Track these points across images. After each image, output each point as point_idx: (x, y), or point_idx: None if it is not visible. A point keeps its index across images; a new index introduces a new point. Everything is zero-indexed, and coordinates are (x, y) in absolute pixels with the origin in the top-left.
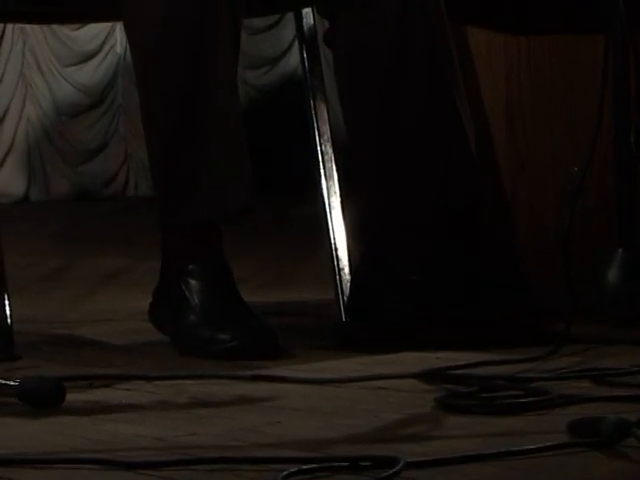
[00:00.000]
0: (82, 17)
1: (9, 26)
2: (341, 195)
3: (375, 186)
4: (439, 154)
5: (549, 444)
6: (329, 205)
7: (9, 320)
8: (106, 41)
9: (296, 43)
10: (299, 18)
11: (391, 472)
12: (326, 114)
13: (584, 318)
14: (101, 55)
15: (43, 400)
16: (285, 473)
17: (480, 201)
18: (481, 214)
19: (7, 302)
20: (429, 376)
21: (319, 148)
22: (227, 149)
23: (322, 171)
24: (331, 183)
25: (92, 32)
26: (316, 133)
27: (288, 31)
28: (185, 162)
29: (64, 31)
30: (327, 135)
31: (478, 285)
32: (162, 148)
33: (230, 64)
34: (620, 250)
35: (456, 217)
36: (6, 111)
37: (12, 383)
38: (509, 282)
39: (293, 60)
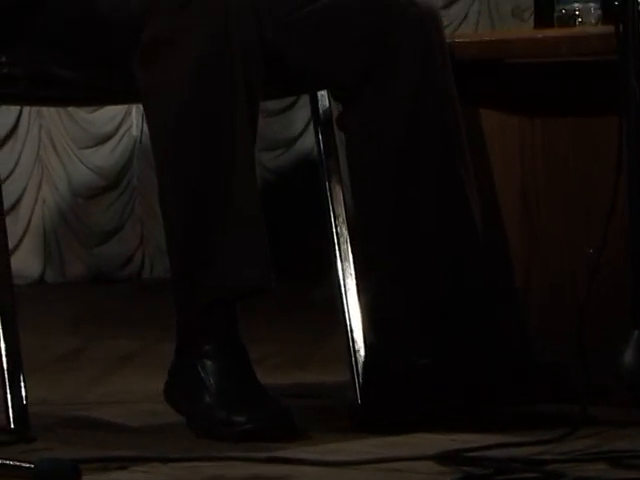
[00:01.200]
0: (98, 100)
1: (25, 108)
2: (356, 277)
3: (388, 269)
4: (449, 237)
5: None
6: (344, 287)
7: (24, 401)
8: (122, 124)
9: (311, 125)
10: (314, 100)
11: None
12: (341, 196)
13: (600, 399)
14: (117, 137)
15: None
16: None
17: (490, 283)
18: (492, 295)
19: (22, 383)
20: (445, 458)
21: (334, 230)
22: (244, 230)
23: (337, 253)
24: (346, 265)
25: (108, 115)
26: (331, 215)
27: (303, 113)
28: (201, 243)
29: (80, 113)
30: (342, 217)
31: (491, 367)
32: (179, 229)
33: (248, 146)
34: (636, 331)
35: (468, 299)
36: (22, 193)
37: (27, 465)
38: (522, 363)
39: (308, 142)
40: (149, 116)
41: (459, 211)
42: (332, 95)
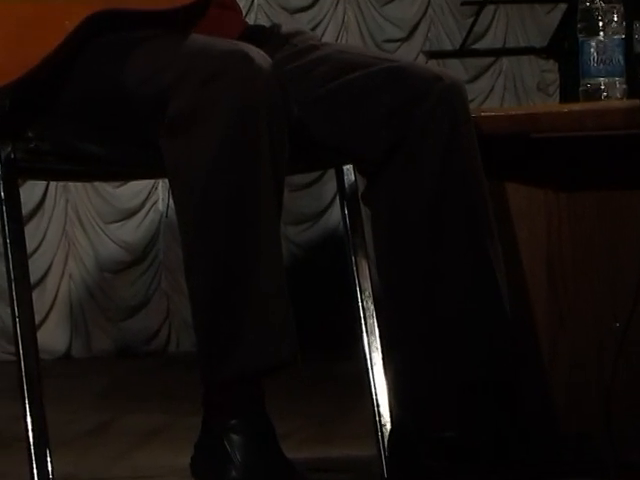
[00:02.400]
0: (125, 174)
1: (52, 183)
2: (382, 351)
3: (415, 344)
4: (477, 314)
5: None
6: (370, 361)
7: (50, 476)
8: (148, 198)
9: (337, 199)
10: (340, 175)
11: None
12: (367, 270)
13: (627, 473)
14: (143, 212)
15: None
16: None
17: (517, 358)
18: (519, 370)
19: (49, 458)
20: None
21: (360, 304)
22: (269, 304)
23: (363, 327)
24: (372, 339)
25: (134, 189)
26: (357, 289)
27: (329, 187)
28: (227, 317)
29: (107, 188)
30: (368, 291)
31: (518, 441)
32: (204, 303)
33: (273, 221)
34: None
35: (494, 374)
36: (49, 268)
37: None
38: (549, 437)
39: (334, 216)
40: (175, 190)
41: (487, 287)
42: (357, 170)
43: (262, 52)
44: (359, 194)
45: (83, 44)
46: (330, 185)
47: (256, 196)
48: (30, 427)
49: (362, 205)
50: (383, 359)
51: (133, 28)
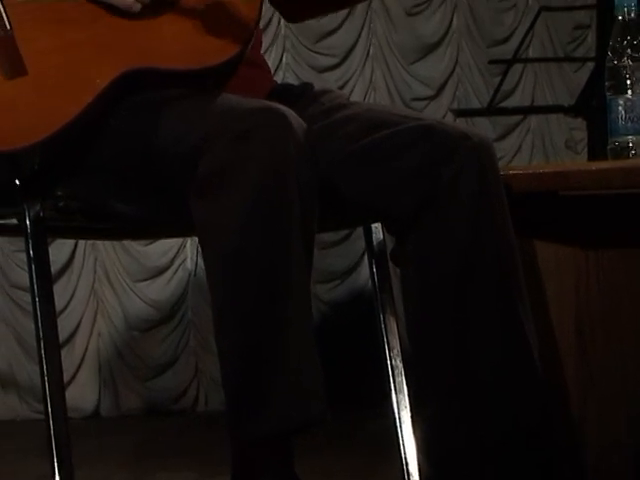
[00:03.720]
0: (154, 233)
1: (81, 242)
2: (411, 409)
3: (445, 403)
4: (507, 374)
5: None
6: (399, 419)
7: None
8: (177, 257)
9: (366, 257)
10: (368, 233)
11: None
12: (396, 328)
13: None
14: (172, 270)
15: None
16: None
17: (547, 418)
18: (549, 430)
19: None
20: None
21: (389, 362)
22: (299, 363)
23: (392, 385)
24: (401, 397)
25: (163, 248)
26: (386, 347)
27: (358, 246)
28: (257, 377)
29: (135, 246)
30: (397, 349)
31: None
32: (234, 363)
33: (303, 279)
34: None
35: (525, 433)
36: (77, 326)
37: None
38: None
39: (363, 274)
40: (204, 248)
41: (517, 346)
42: (386, 228)
43: (292, 111)
44: (388, 253)
45: (113, 102)
46: (359, 243)
47: (286, 257)
48: None
49: (390, 263)
50: (412, 417)
51: (164, 86)
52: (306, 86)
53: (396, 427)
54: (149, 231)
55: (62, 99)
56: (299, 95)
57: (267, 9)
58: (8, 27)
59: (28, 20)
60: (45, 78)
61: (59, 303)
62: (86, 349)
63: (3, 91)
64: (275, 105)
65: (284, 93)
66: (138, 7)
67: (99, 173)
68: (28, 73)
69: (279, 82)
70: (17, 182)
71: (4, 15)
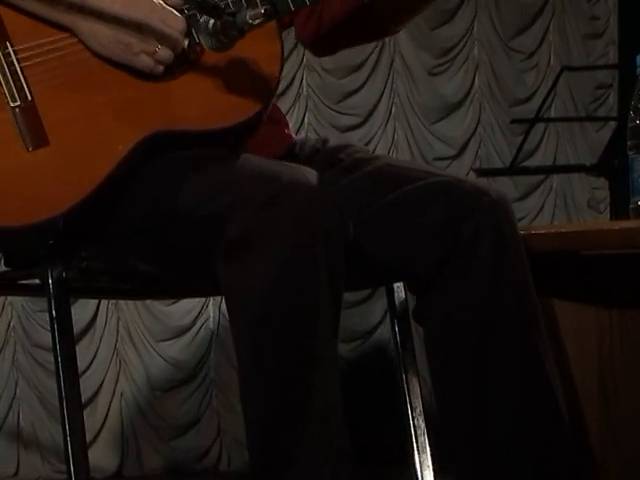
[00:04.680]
0: (177, 293)
1: (103, 301)
2: (434, 469)
3: (469, 462)
4: (533, 430)
5: None
6: (422, 479)
7: None
8: (199, 316)
9: (388, 317)
10: (390, 292)
11: None
12: (418, 388)
13: None
14: (194, 330)
15: None
16: None
17: (571, 474)
18: None
19: None
20: None
21: (412, 422)
22: (325, 425)
23: (414, 445)
24: (424, 457)
25: (185, 307)
26: (408, 406)
27: (380, 305)
28: (282, 438)
29: (158, 306)
30: (419, 409)
31: None
32: (259, 424)
33: (331, 341)
34: None
35: None
36: (100, 386)
37: None
38: None
39: (386, 333)
40: (231, 311)
41: (543, 404)
42: (407, 286)
43: (316, 173)
44: (410, 312)
45: (136, 166)
46: (381, 302)
47: (314, 321)
48: None
49: (412, 322)
50: (435, 477)
51: (186, 146)
52: (324, 141)
53: None
54: (172, 291)
55: (85, 167)
56: (317, 150)
57: (289, 68)
58: (29, 97)
59: (48, 88)
60: (67, 147)
61: (81, 363)
62: (108, 409)
63: (25, 162)
64: (299, 169)
65: (302, 148)
66: (160, 69)
67: (123, 235)
68: (50, 143)
69: (299, 138)
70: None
71: (25, 85)
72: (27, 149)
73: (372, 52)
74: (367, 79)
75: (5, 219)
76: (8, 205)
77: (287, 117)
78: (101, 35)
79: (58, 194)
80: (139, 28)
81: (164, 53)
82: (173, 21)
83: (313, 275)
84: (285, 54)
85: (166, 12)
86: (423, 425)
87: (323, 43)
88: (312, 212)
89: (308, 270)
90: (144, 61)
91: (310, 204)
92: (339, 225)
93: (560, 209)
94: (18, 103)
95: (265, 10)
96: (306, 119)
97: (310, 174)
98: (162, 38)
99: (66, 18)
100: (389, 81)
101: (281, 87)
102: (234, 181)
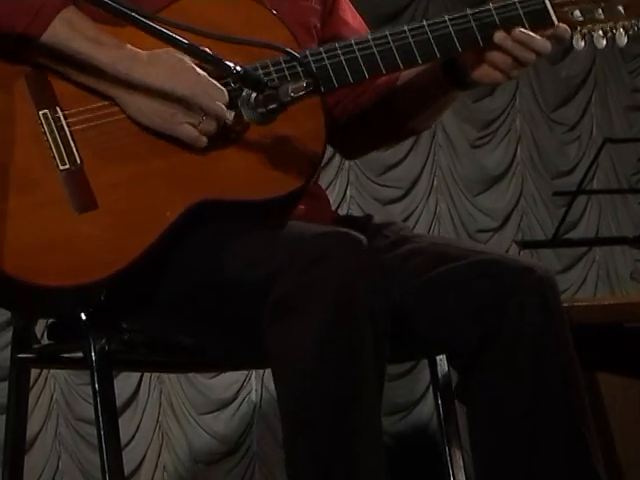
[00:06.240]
0: (219, 366)
1: (146, 374)
2: None
3: None
4: None
5: None
6: None
7: None
8: (242, 389)
9: (431, 390)
10: (433, 365)
11: None
12: (462, 461)
13: None
14: (236, 403)
15: None
16: None
17: None
18: None
19: None
20: None
21: None
22: None
23: None
24: None
25: (228, 380)
26: None
27: (423, 378)
28: None
29: (200, 379)
30: None
31: None
32: None
33: (375, 413)
34: None
35: None
36: (143, 459)
37: None
38: None
39: (428, 407)
40: (276, 376)
41: None
42: (450, 363)
43: (361, 235)
44: (452, 387)
45: (182, 234)
46: (423, 375)
47: (359, 387)
48: None
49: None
50: None
51: (230, 216)
52: (368, 218)
53: None
54: (215, 364)
55: (131, 233)
56: (362, 227)
57: None
58: (78, 161)
59: (96, 153)
60: (114, 212)
61: (124, 436)
62: None
63: (72, 224)
64: (347, 230)
65: (345, 225)
66: (204, 141)
67: (165, 306)
68: (97, 207)
69: (342, 214)
70: (83, 315)
71: (74, 149)
72: (75, 212)
73: None
74: (409, 152)
75: (44, 278)
76: (49, 264)
77: (329, 190)
78: (145, 107)
79: (103, 258)
80: (184, 100)
81: (208, 125)
82: (217, 93)
83: (357, 341)
84: None
85: (210, 85)
86: None
87: (347, 138)
88: (358, 274)
89: (352, 336)
90: (188, 132)
91: (354, 265)
92: (383, 287)
93: (603, 281)
94: (67, 166)
95: (307, 84)
96: (348, 192)
97: (354, 236)
98: (207, 110)
99: (111, 91)
100: (431, 154)
101: (323, 159)
102: (277, 245)
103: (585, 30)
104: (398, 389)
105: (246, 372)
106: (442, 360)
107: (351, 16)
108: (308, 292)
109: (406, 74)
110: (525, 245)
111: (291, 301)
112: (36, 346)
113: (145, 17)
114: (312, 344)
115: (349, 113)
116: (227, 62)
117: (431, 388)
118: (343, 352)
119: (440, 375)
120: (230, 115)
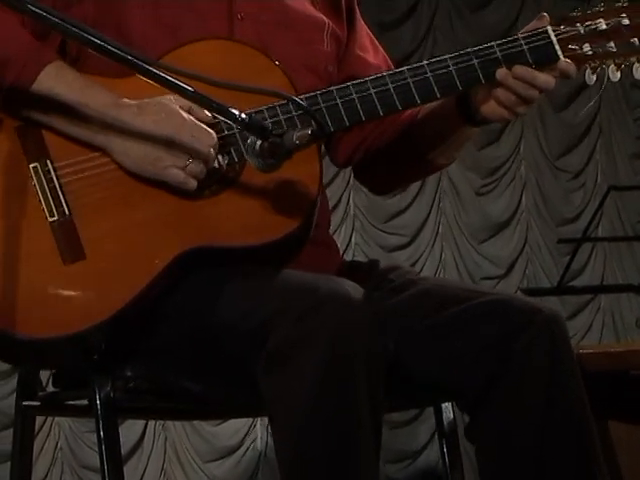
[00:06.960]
0: (223, 413)
1: (151, 422)
2: None
3: None
4: None
5: None
6: None
7: None
8: (247, 437)
9: (436, 437)
10: (439, 412)
11: None
12: None
13: None
14: (242, 451)
15: None
16: None
17: None
18: None
19: None
20: None
21: None
22: None
23: None
24: None
25: (233, 428)
26: None
27: (428, 425)
28: None
29: (205, 427)
30: None
31: None
32: None
33: (372, 461)
34: None
35: None
36: None
37: None
38: None
39: (434, 454)
40: (273, 424)
41: None
42: (458, 405)
43: (357, 285)
44: (459, 432)
45: (174, 281)
46: (428, 423)
47: (355, 435)
48: None
49: (461, 443)
50: None
51: (224, 263)
52: (373, 263)
53: None
54: (219, 411)
55: (119, 282)
56: (367, 272)
57: (336, 188)
58: (67, 213)
59: (85, 204)
60: (103, 261)
61: None
62: None
63: (62, 275)
64: (338, 280)
65: (352, 271)
66: (193, 184)
67: (166, 352)
68: (86, 257)
69: (348, 260)
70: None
71: (63, 201)
72: (64, 263)
73: None
74: (414, 199)
75: (40, 330)
76: (42, 316)
77: (334, 236)
78: (132, 152)
79: (94, 306)
80: (169, 143)
81: (195, 167)
82: (203, 135)
83: (353, 389)
84: (331, 176)
85: (196, 127)
86: None
87: (374, 173)
88: (350, 323)
89: (348, 383)
90: (175, 175)
91: (347, 316)
92: (381, 338)
93: (608, 328)
94: (56, 218)
95: (311, 131)
96: (353, 239)
97: (350, 286)
98: (193, 152)
99: (98, 138)
100: (436, 201)
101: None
102: (273, 294)
103: (595, 64)
104: (403, 436)
105: (251, 419)
106: (447, 407)
107: (372, 55)
108: (301, 344)
109: (427, 107)
110: (530, 292)
111: (285, 353)
112: (41, 393)
113: (149, 64)
114: (306, 394)
115: (375, 149)
116: (232, 109)
117: (437, 435)
118: (338, 399)
119: (445, 422)
120: (222, 159)
